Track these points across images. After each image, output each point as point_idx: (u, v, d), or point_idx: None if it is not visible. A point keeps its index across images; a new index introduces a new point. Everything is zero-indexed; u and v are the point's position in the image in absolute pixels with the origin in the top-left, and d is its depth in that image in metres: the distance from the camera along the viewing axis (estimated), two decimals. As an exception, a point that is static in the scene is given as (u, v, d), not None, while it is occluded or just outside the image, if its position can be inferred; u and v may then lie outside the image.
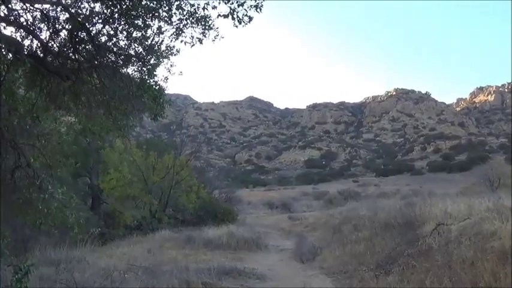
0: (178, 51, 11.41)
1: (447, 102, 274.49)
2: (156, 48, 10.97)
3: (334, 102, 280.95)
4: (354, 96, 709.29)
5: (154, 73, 11.51)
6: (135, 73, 11.49)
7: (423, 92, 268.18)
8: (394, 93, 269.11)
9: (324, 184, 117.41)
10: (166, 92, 12.13)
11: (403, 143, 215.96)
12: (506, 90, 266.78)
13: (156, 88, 11.83)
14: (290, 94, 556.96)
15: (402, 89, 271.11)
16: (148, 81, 11.53)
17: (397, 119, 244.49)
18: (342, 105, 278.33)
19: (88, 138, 37.08)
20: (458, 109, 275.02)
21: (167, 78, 11.88)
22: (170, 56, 11.36)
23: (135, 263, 16.76)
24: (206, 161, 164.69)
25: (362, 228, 21.88)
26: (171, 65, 11.64)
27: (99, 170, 33.64)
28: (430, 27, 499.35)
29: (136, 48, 10.93)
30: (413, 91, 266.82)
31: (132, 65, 11.31)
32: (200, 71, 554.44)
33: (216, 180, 50.86)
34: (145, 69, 11.29)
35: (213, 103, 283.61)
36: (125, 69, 11.49)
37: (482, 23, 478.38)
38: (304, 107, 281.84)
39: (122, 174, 30.03)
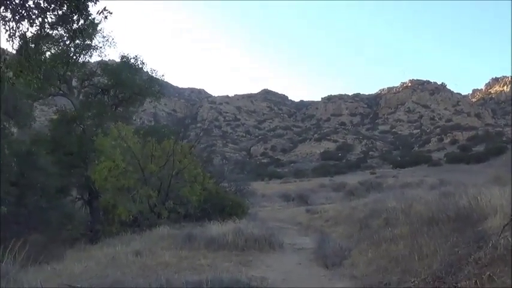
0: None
1: (463, 93, 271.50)
2: None
3: (349, 94, 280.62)
4: (369, 87, 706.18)
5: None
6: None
7: (439, 82, 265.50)
8: (410, 84, 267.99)
9: (340, 176, 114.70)
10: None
11: (419, 134, 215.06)
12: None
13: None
14: (305, 86, 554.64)
15: (417, 79, 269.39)
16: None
17: (413, 110, 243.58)
18: (357, 97, 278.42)
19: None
20: (474, 100, 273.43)
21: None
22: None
23: (107, 271, 13.29)
24: (221, 154, 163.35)
25: (396, 223, 18.00)
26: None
27: (95, 160, 30.38)
28: (445, 18, 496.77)
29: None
30: (428, 82, 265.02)
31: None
32: (214, 64, 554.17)
33: (227, 170, 47.34)
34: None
35: (227, 96, 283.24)
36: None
37: (497, 13, 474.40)
38: (319, 99, 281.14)
39: (115, 163, 26.44)
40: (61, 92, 36.02)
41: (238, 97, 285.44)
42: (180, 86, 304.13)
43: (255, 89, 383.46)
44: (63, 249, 20.88)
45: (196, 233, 19.78)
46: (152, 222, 24.99)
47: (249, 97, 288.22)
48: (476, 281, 8.93)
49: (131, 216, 25.67)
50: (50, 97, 37.42)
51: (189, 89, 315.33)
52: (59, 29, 10.10)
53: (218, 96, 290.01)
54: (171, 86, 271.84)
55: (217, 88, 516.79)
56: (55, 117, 36.27)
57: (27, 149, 25.04)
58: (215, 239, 18.60)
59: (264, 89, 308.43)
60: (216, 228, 20.09)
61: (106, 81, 37.36)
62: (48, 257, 16.60)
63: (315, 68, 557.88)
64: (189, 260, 15.76)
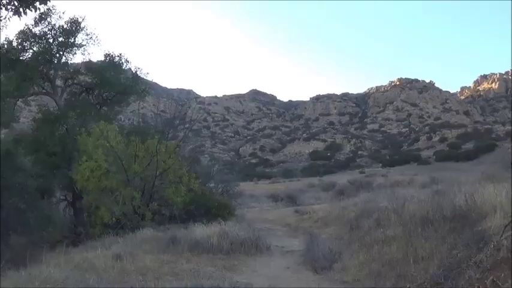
0: None
1: (451, 91, 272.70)
2: None
3: (338, 94, 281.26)
4: (357, 87, 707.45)
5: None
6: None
7: (427, 81, 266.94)
8: (398, 83, 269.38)
9: (330, 176, 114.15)
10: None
11: (408, 132, 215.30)
12: (510, 77, 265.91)
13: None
14: (293, 86, 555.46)
15: (406, 78, 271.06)
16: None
17: (401, 108, 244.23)
18: (345, 97, 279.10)
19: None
20: (462, 97, 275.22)
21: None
22: None
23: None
24: (210, 155, 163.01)
25: (388, 223, 17.37)
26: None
27: (78, 160, 29.64)
28: (433, 16, 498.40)
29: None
30: (417, 80, 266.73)
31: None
32: (203, 65, 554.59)
33: (214, 170, 46.68)
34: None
35: (216, 97, 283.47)
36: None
37: (485, 10, 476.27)
38: (308, 99, 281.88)
39: (97, 163, 25.67)
40: (44, 91, 35.39)
41: (226, 97, 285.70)
42: (168, 87, 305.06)
43: (244, 89, 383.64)
44: (43, 252, 20.13)
45: (180, 235, 19.07)
46: (136, 224, 24.24)
47: (238, 97, 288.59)
48: (478, 287, 8.23)
49: (114, 218, 24.91)
50: (33, 96, 36.69)
51: (177, 89, 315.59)
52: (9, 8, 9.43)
53: (207, 96, 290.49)
54: (160, 86, 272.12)
55: (205, 88, 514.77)
56: (38, 116, 35.54)
57: (6, 149, 24.32)
58: (199, 242, 17.87)
59: (253, 89, 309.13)
60: (200, 231, 19.33)
61: (90, 80, 36.62)
62: (28, 260, 15.87)
63: (304, 68, 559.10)
64: (171, 264, 15.07)
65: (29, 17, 37.49)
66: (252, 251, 17.91)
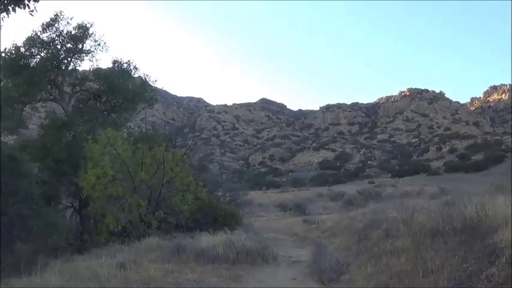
0: None
1: (461, 102, 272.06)
2: None
3: (348, 103, 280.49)
4: (368, 96, 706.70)
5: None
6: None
7: (437, 91, 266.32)
8: (408, 93, 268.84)
9: (339, 185, 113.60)
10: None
11: (418, 143, 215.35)
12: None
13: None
14: (303, 95, 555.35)
15: (416, 88, 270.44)
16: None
17: (411, 119, 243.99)
18: (355, 106, 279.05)
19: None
20: (472, 108, 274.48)
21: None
22: None
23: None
24: (219, 163, 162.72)
25: (397, 234, 16.94)
26: None
27: (85, 167, 29.37)
28: (443, 27, 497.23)
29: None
30: (427, 91, 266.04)
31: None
32: (213, 73, 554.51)
33: (222, 179, 46.39)
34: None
35: (225, 105, 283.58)
36: None
37: (495, 21, 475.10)
38: (318, 108, 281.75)
39: (103, 171, 25.39)
40: (52, 97, 35.17)
41: (236, 106, 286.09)
42: (178, 95, 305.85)
43: (254, 98, 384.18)
44: (47, 260, 19.87)
45: (185, 244, 18.70)
46: (142, 233, 23.94)
47: (248, 106, 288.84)
48: (491, 303, 7.94)
49: (120, 226, 24.62)
50: (41, 102, 36.50)
51: (187, 97, 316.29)
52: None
53: (216, 105, 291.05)
54: (170, 94, 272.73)
55: (215, 97, 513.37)
56: (45, 122, 35.30)
57: (8, 155, 24.01)
58: (205, 251, 17.51)
59: (263, 98, 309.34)
60: (206, 240, 18.99)
61: (98, 86, 36.38)
62: (32, 267, 15.61)
63: (314, 77, 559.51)
64: (175, 274, 14.75)
65: (37, 23, 37.32)
66: (258, 261, 17.54)
